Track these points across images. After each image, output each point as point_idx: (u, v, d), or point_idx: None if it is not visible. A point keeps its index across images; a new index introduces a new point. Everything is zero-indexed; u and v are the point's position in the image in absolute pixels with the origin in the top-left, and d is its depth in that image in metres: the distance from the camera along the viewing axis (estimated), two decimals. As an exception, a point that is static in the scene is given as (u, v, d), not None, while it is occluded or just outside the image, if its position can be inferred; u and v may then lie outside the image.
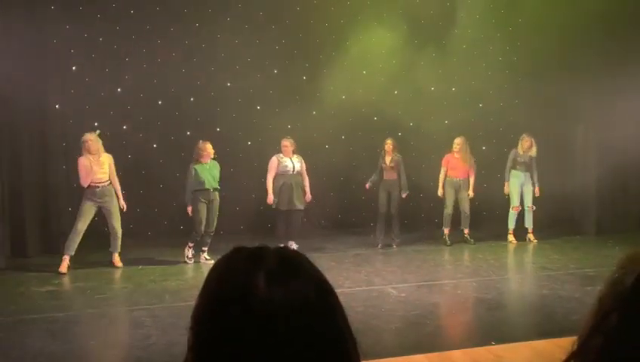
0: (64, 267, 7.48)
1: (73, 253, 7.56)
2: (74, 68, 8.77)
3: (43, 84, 8.48)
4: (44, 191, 8.65)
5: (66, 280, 7.07)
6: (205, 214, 7.86)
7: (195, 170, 7.85)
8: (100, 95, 8.98)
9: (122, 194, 7.84)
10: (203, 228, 7.86)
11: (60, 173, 8.79)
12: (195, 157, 7.93)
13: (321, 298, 0.83)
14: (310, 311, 0.80)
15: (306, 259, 0.88)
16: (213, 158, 8.10)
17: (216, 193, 7.98)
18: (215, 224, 7.99)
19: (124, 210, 7.84)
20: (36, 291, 6.58)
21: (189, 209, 7.97)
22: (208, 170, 7.91)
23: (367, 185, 9.05)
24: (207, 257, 7.98)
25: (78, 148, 8.38)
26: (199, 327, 0.83)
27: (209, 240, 7.96)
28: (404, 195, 9.00)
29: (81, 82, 8.82)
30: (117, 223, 7.70)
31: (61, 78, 8.61)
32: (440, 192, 9.22)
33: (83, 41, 8.82)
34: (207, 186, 7.83)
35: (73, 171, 8.81)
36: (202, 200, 7.84)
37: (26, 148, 8.45)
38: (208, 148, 7.96)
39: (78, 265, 7.67)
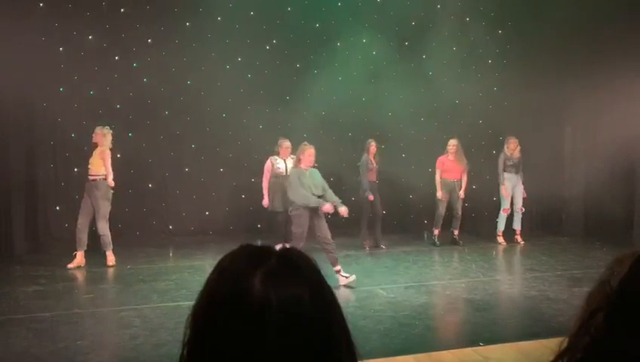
0: (73, 263, 7.56)
1: (84, 248, 7.63)
2: (62, 66, 8.71)
3: (31, 81, 8.40)
4: (32, 190, 8.58)
5: (53, 279, 7.00)
6: (306, 229, 6.64)
7: (298, 175, 6.77)
8: (88, 93, 8.93)
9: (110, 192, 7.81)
10: (303, 244, 6.56)
11: (47, 172, 8.73)
12: (295, 163, 6.95)
13: (317, 302, 0.82)
14: (303, 315, 0.80)
15: (309, 261, 0.87)
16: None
17: (332, 200, 6.79)
18: (329, 234, 6.75)
19: (112, 184, 7.67)
20: (23, 291, 6.52)
21: (327, 208, 6.70)
22: (309, 177, 6.81)
23: (371, 196, 8.77)
24: (345, 274, 6.68)
25: (65, 147, 8.34)
26: (196, 321, 0.83)
27: (332, 256, 6.68)
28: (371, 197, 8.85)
29: (69, 80, 8.76)
30: (100, 225, 7.62)
31: (49, 75, 8.54)
32: (439, 195, 9.22)
33: (72, 39, 8.77)
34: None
35: (61, 169, 8.76)
36: (304, 213, 6.64)
37: (13, 145, 8.38)
38: (308, 153, 6.81)
39: (65, 265, 7.62)
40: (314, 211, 6.67)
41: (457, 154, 9.25)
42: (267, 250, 0.87)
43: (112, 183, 7.65)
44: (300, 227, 6.63)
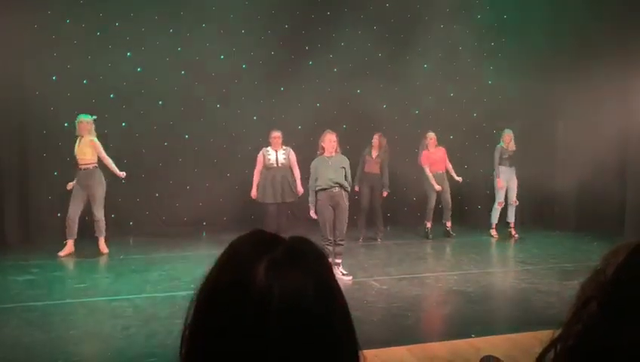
0: (64, 251, 7.62)
1: (75, 237, 7.67)
2: (55, 54, 8.64)
3: (23, 70, 8.33)
4: (24, 179, 8.54)
5: (44, 269, 6.99)
6: (331, 217, 6.60)
7: (316, 166, 6.68)
8: (81, 82, 8.87)
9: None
10: (328, 233, 6.59)
11: (40, 161, 8.68)
12: (320, 151, 6.78)
13: (320, 295, 0.81)
14: (305, 307, 0.79)
15: (318, 252, 0.86)
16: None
17: (342, 192, 6.67)
18: (344, 230, 6.71)
19: (124, 176, 7.83)
20: (14, 280, 6.50)
21: (312, 212, 6.76)
22: (330, 165, 6.65)
23: (357, 188, 8.83)
24: (344, 271, 6.69)
25: (58, 136, 8.29)
26: (199, 304, 0.83)
27: (339, 250, 6.69)
28: (385, 193, 8.99)
29: (62, 69, 8.70)
30: (97, 210, 7.69)
31: (42, 64, 8.47)
32: (437, 187, 9.23)
33: (65, 27, 8.69)
34: (326, 185, 6.59)
35: (53, 159, 8.71)
36: (324, 201, 6.58)
37: (5, 135, 8.32)
38: (328, 139, 6.72)
39: (57, 254, 7.59)
40: (334, 201, 6.61)
41: (436, 146, 9.30)
42: (276, 239, 0.85)
43: (122, 174, 7.80)
44: (320, 215, 6.63)
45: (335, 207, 6.60)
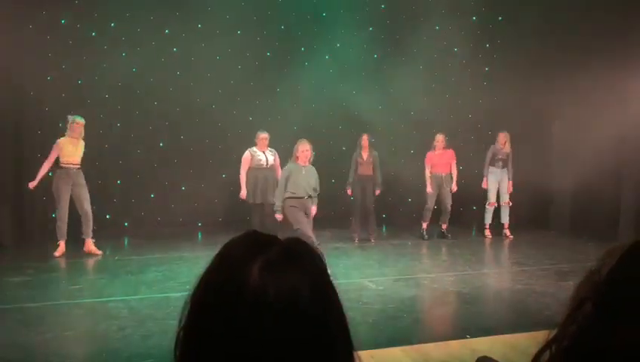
0: (59, 251, 7.61)
1: (65, 238, 7.67)
2: (50, 54, 8.61)
3: (18, 70, 8.30)
4: (19, 180, 8.50)
5: (39, 270, 6.96)
6: (305, 222, 6.74)
7: (290, 171, 6.86)
8: (76, 82, 8.85)
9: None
10: (312, 237, 6.56)
11: (34, 161, 8.63)
12: (293, 158, 6.96)
13: (316, 296, 0.81)
14: (301, 308, 0.79)
15: (313, 253, 0.86)
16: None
17: (313, 201, 6.92)
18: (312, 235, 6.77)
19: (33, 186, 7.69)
20: (9, 281, 6.47)
21: (279, 216, 6.93)
22: (304, 174, 6.86)
23: (350, 191, 8.94)
24: None
25: (53, 136, 8.26)
26: (193, 305, 0.83)
27: None
28: (377, 192, 8.99)
29: (57, 69, 8.68)
30: (88, 206, 7.66)
31: (37, 64, 8.44)
32: (429, 190, 9.25)
33: (60, 28, 8.68)
34: (301, 194, 6.79)
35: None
36: (298, 208, 6.74)
37: (0, 134, 8.30)
38: (301, 148, 6.88)
39: (52, 254, 7.57)
40: (305, 207, 6.83)
41: (445, 149, 9.29)
42: (270, 239, 0.85)
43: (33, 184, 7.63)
44: (298, 223, 6.74)
45: (305, 213, 6.86)
